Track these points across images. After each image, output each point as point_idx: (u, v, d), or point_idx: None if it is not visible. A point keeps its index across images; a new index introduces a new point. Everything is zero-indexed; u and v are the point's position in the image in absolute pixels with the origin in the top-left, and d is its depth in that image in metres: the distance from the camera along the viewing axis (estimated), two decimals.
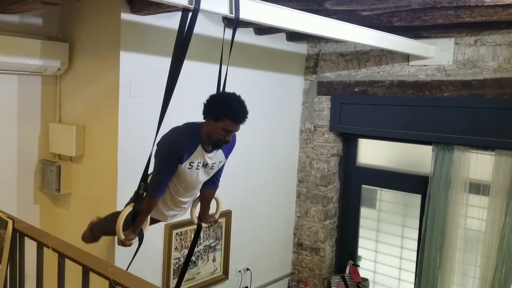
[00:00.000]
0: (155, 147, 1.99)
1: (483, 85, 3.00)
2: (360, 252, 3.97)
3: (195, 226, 2.47)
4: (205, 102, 1.98)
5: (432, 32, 3.09)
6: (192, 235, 3.14)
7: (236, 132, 2.04)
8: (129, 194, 2.69)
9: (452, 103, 3.13)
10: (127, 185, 2.69)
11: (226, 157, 2.17)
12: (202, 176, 2.11)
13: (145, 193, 2.04)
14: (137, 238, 2.12)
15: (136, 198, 2.07)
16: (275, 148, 3.76)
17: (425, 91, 3.26)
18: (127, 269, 2.18)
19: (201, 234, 3.21)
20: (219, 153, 2.10)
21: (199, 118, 2.04)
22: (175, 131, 2.03)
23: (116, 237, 2.15)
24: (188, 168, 2.01)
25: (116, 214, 2.21)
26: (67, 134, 2.85)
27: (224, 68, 2.11)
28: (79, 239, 2.44)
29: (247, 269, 3.66)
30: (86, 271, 1.70)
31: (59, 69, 2.87)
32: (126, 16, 2.58)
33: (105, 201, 2.73)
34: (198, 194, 2.32)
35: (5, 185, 2.85)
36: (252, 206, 3.63)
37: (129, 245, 2.09)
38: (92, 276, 1.69)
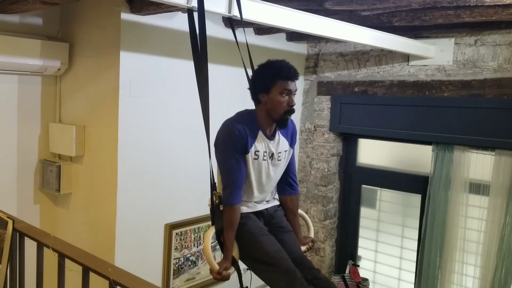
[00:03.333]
0: (213, 149, 1.81)
1: (483, 85, 2.99)
2: (360, 252, 3.96)
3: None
4: (251, 79, 1.86)
5: (432, 32, 3.09)
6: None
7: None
8: (129, 194, 2.71)
9: (452, 103, 3.13)
10: (127, 185, 2.69)
11: (291, 145, 1.98)
12: (271, 171, 1.88)
13: (221, 207, 1.82)
14: (233, 268, 1.85)
15: (213, 215, 1.82)
16: None
17: (425, 91, 3.26)
18: None
19: (200, 234, 3.21)
20: (282, 141, 1.92)
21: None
22: (230, 121, 1.83)
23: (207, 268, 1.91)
24: (254, 159, 1.80)
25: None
26: (67, 134, 2.85)
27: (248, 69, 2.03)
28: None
29: (247, 269, 3.65)
30: (86, 271, 1.70)
31: (59, 69, 2.87)
32: (126, 16, 2.58)
33: (105, 201, 2.73)
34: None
35: (5, 185, 2.85)
36: None
37: (228, 277, 1.84)
38: (92, 276, 1.69)
